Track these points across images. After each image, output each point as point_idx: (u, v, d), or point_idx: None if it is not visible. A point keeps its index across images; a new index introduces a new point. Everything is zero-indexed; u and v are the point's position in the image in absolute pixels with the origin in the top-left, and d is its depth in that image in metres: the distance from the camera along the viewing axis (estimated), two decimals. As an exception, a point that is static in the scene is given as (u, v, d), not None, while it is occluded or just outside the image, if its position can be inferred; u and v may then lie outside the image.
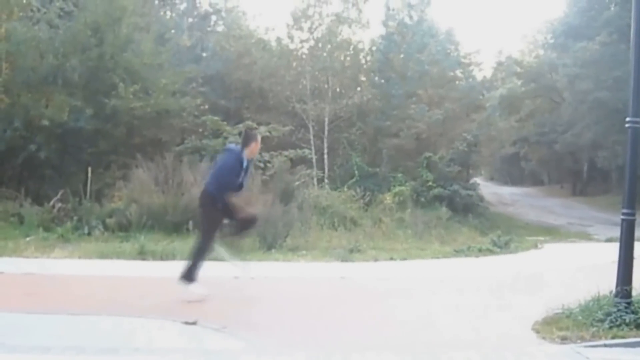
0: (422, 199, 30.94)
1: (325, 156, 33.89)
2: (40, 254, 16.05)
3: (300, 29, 36.13)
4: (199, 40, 37.69)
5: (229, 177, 11.49)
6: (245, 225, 12.03)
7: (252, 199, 13.66)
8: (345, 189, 28.54)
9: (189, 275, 11.18)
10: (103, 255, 16.17)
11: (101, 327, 9.00)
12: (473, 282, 14.63)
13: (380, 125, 36.80)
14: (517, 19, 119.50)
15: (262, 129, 28.73)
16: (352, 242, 19.99)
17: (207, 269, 12.92)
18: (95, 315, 9.48)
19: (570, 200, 55.21)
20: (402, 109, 36.79)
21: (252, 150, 11.85)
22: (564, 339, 8.83)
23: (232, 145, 12.83)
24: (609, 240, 23.81)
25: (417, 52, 38.83)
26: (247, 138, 12.06)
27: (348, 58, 37.69)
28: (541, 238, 28.03)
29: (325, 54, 35.51)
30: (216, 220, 11.65)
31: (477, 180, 44.65)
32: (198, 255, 11.38)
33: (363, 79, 39.89)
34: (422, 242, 22.88)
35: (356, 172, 32.49)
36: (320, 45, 35.93)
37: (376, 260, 18.04)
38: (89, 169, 22.50)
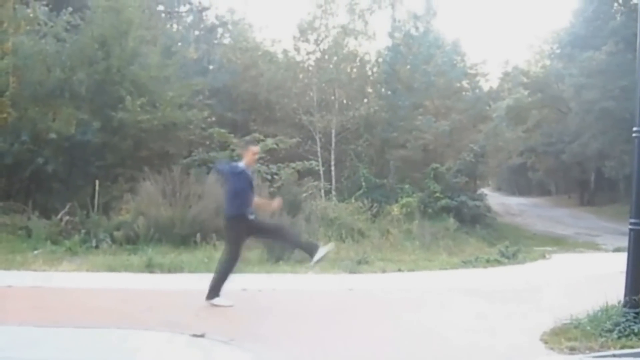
0: (430, 210, 30.92)
1: (333, 168, 33.89)
2: (48, 267, 16.08)
3: (307, 41, 36.17)
4: (206, 52, 37.76)
5: (243, 195, 11.94)
6: (279, 235, 12.41)
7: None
8: (353, 201, 28.49)
9: (215, 290, 11.66)
10: (111, 268, 16.19)
11: (109, 340, 9.00)
12: (481, 293, 14.62)
13: (387, 137, 36.80)
14: (523, 29, 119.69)
15: (269, 141, 28.80)
16: (360, 254, 19.98)
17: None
18: (103, 328, 9.49)
19: (577, 210, 55.20)
20: (409, 120, 36.78)
21: (248, 160, 12.27)
22: (572, 350, 8.82)
23: (233, 165, 13.05)
24: (617, 250, 23.84)
25: (423, 63, 38.81)
26: (242, 149, 12.93)
27: (354, 70, 37.73)
28: (549, 248, 28.06)
29: (331, 66, 35.52)
30: (241, 236, 12.01)
31: (485, 190, 44.61)
32: (225, 270, 11.79)
33: (369, 90, 39.91)
34: (429, 253, 22.88)
35: (363, 183, 32.46)
36: (326, 57, 35.95)
37: (384, 271, 18.05)
38: (97, 182, 22.54)
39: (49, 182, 24.37)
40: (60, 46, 25.46)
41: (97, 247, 19.67)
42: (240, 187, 11.91)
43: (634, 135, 9.65)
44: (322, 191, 30.16)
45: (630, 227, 9.67)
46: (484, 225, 33.26)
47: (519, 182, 78.09)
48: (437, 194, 31.97)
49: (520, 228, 42.15)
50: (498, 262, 20.81)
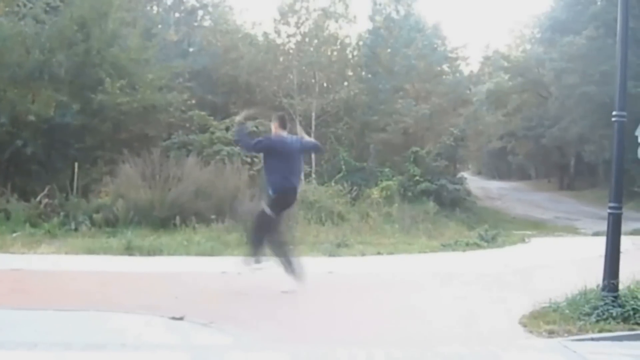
0: (410, 194, 30.99)
1: (312, 151, 33.92)
2: (27, 250, 16.01)
3: (287, 23, 36.24)
4: (186, 35, 37.74)
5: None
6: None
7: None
8: (333, 184, 28.48)
9: (289, 269, 11.56)
10: (90, 251, 16.13)
11: (88, 322, 8.97)
12: (460, 276, 14.63)
13: (368, 120, 36.94)
14: (504, 13, 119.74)
15: (249, 124, 28.74)
16: (340, 237, 19.93)
17: (196, 264, 12.96)
18: (83, 311, 9.45)
19: (557, 194, 55.35)
20: (389, 103, 36.93)
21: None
22: (551, 333, 8.83)
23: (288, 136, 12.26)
24: (596, 234, 23.94)
25: (404, 47, 38.96)
26: (285, 120, 12.27)
27: (335, 53, 37.78)
28: (528, 232, 28.14)
29: (312, 49, 35.59)
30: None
31: (465, 174, 44.72)
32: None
33: (350, 73, 40.01)
34: (409, 237, 22.85)
35: (343, 166, 32.53)
36: (307, 40, 36.02)
37: (363, 254, 18.02)
38: (76, 165, 22.50)
39: (28, 165, 24.28)
40: (39, 28, 25.35)
41: (76, 229, 19.58)
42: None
43: (613, 119, 9.67)
44: (302, 174, 30.16)
45: (609, 211, 9.71)
46: (464, 208, 33.39)
47: (499, 166, 78.27)
48: (417, 178, 32.07)
49: (499, 212, 42.27)
50: (477, 246, 20.84)
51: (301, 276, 11.46)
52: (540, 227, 33.58)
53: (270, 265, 11.85)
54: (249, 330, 8.83)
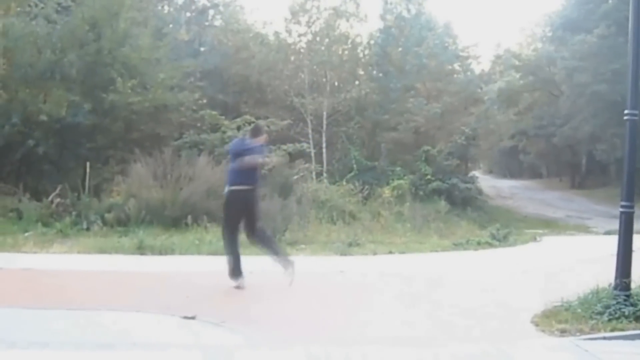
0: (421, 193, 30.97)
1: (324, 150, 33.91)
2: (39, 249, 16.03)
3: (298, 23, 36.20)
4: (197, 34, 37.75)
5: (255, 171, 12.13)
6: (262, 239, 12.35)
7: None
8: (344, 183, 28.51)
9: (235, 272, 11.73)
10: (102, 250, 16.14)
11: (99, 322, 8.98)
12: (472, 275, 14.63)
13: (379, 119, 36.88)
14: (515, 11, 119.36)
15: (261, 123, 28.78)
16: (351, 236, 19.94)
17: (207, 263, 12.99)
18: (94, 310, 9.47)
19: (569, 193, 55.16)
20: (401, 102, 36.87)
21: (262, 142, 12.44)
22: (563, 332, 8.84)
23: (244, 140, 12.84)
24: (608, 233, 23.85)
25: (415, 46, 38.88)
26: (258, 131, 12.76)
27: (346, 52, 37.71)
28: (540, 231, 28.09)
29: (323, 48, 35.55)
30: (239, 213, 12.10)
31: (476, 173, 44.73)
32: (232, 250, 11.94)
33: (361, 72, 39.97)
34: (420, 236, 22.86)
35: (355, 166, 32.53)
36: (318, 39, 35.98)
37: (375, 254, 18.02)
38: (88, 164, 22.47)
39: (40, 164, 24.30)
40: (51, 28, 25.35)
41: (88, 229, 19.58)
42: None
43: (625, 118, 9.66)
44: (314, 173, 30.17)
45: (621, 210, 9.69)
46: (475, 207, 33.34)
47: (510, 165, 77.97)
48: (429, 177, 32.05)
49: (511, 211, 42.18)
50: (489, 245, 20.82)
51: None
52: (551, 226, 33.54)
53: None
54: (261, 329, 8.85)
